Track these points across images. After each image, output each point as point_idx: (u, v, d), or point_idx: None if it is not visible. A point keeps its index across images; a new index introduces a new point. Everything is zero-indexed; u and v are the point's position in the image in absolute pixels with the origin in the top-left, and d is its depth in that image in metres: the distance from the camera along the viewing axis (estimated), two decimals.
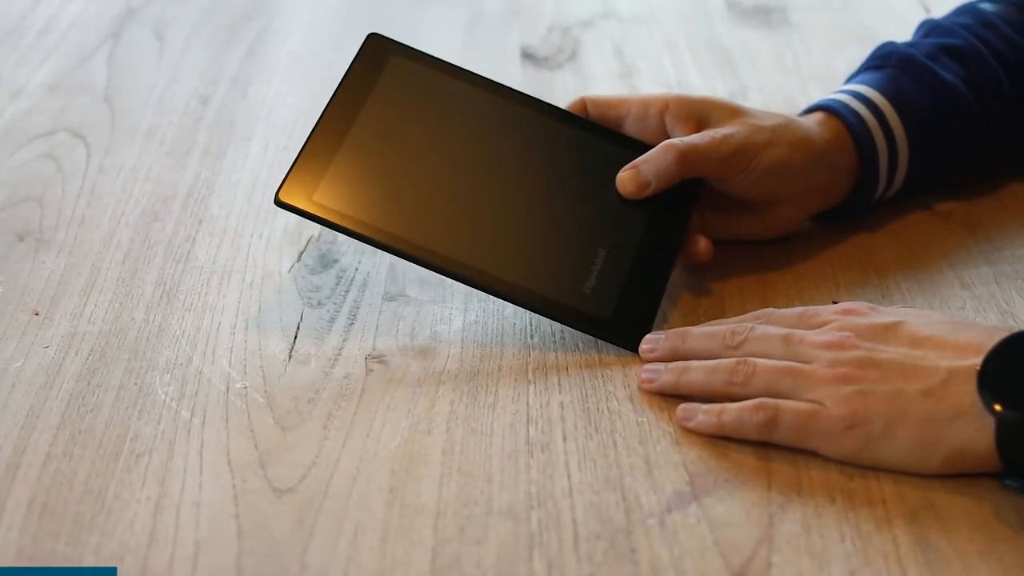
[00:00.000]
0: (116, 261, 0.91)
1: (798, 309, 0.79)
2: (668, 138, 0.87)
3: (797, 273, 0.90)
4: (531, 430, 0.76)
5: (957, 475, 0.71)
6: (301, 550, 0.68)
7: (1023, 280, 0.88)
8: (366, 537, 0.68)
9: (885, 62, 0.94)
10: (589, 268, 0.83)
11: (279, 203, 0.81)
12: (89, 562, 0.67)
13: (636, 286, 0.83)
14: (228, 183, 1.01)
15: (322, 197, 0.81)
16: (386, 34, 0.89)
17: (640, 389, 0.78)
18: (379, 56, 0.88)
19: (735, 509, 0.70)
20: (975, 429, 0.69)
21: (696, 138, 0.86)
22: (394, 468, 0.73)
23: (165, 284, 0.89)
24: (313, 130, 0.84)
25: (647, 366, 0.79)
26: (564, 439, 0.75)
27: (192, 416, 0.77)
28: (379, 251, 0.92)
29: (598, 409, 0.77)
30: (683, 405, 0.76)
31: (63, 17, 1.28)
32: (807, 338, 0.75)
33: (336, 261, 0.92)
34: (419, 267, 0.82)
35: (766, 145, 0.87)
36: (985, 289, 0.88)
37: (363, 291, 0.88)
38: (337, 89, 0.86)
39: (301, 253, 0.92)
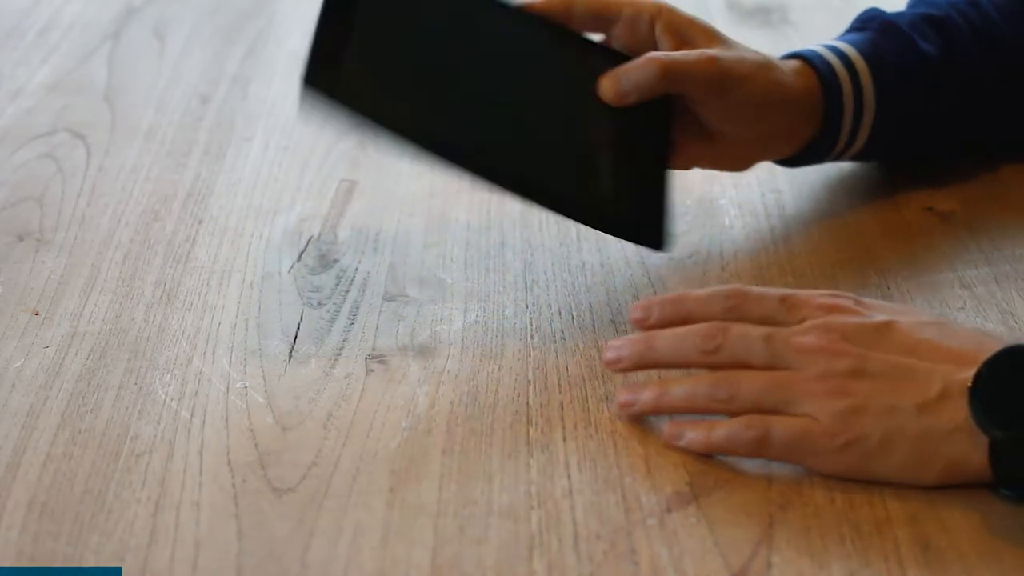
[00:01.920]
0: (116, 261, 0.91)
1: (776, 293, 0.75)
2: (655, 48, 0.89)
3: (797, 273, 0.90)
4: (531, 430, 0.76)
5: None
6: (301, 550, 0.68)
7: (1023, 280, 0.88)
8: (366, 537, 0.69)
9: (867, 25, 0.95)
10: (599, 168, 0.84)
11: (308, 85, 0.76)
12: (90, 562, 0.67)
13: (644, 188, 0.84)
14: (228, 183, 1.01)
15: (349, 83, 0.78)
16: None
17: (620, 413, 0.76)
18: None
19: (735, 509, 0.70)
20: (970, 445, 0.68)
21: (682, 54, 0.87)
22: (394, 468, 0.73)
23: (165, 284, 0.89)
24: (320, 15, 0.80)
25: (625, 387, 0.76)
26: (564, 439, 0.75)
27: (192, 416, 0.77)
28: (378, 249, 0.92)
29: (598, 409, 0.77)
30: (670, 422, 0.74)
31: (63, 17, 1.28)
32: (792, 340, 0.72)
33: (336, 261, 0.92)
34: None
35: (745, 79, 0.87)
36: (985, 289, 0.88)
37: (363, 291, 0.88)
38: None
39: (301, 253, 0.92)
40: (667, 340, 0.75)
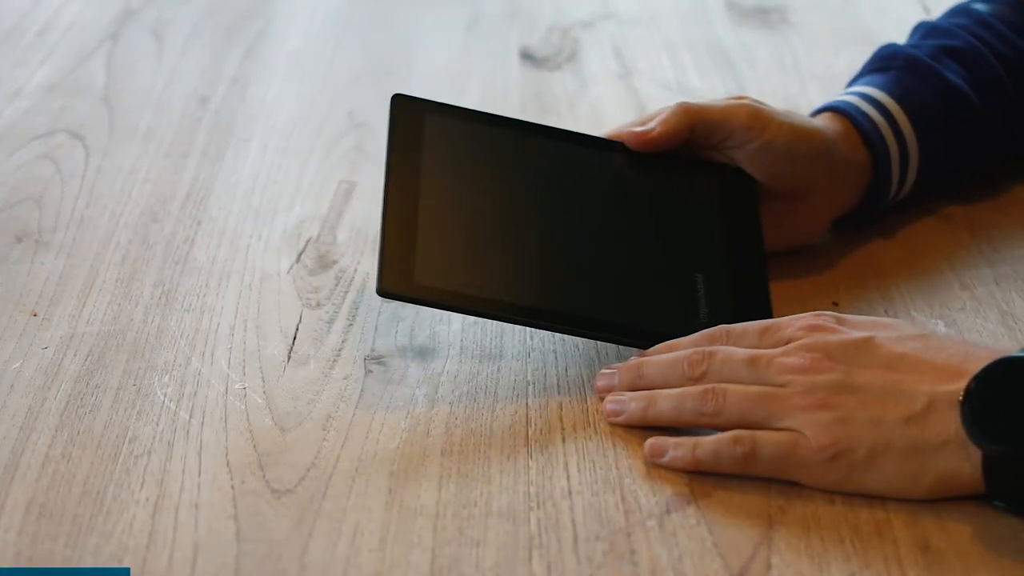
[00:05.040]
0: (115, 262, 0.91)
1: (758, 325, 0.76)
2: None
3: (798, 275, 0.89)
4: (530, 431, 0.76)
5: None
6: (300, 551, 0.68)
7: (1023, 281, 0.88)
8: (365, 538, 0.68)
9: (890, 63, 0.94)
10: (696, 297, 0.82)
11: (383, 293, 0.77)
12: (88, 563, 0.67)
13: (744, 297, 0.83)
14: (227, 184, 1.01)
15: (422, 278, 0.78)
16: (405, 90, 0.86)
17: (607, 422, 0.76)
18: (413, 117, 0.84)
19: (734, 510, 0.70)
20: (961, 458, 0.68)
21: (709, 100, 0.87)
22: (393, 469, 0.73)
23: (164, 285, 0.89)
24: (385, 210, 0.80)
25: (612, 396, 0.76)
26: (563, 440, 0.75)
27: (191, 417, 0.77)
28: (377, 251, 0.92)
29: (597, 410, 0.77)
30: (651, 440, 0.73)
31: (62, 18, 1.28)
32: (776, 360, 0.72)
33: (335, 262, 0.91)
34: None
35: (774, 118, 0.86)
36: (985, 290, 0.88)
37: (362, 292, 0.88)
38: (388, 161, 0.82)
39: (300, 254, 0.92)
40: (656, 368, 0.76)
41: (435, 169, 0.83)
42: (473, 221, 0.83)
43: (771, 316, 0.82)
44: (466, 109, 0.87)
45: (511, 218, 0.84)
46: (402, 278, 0.78)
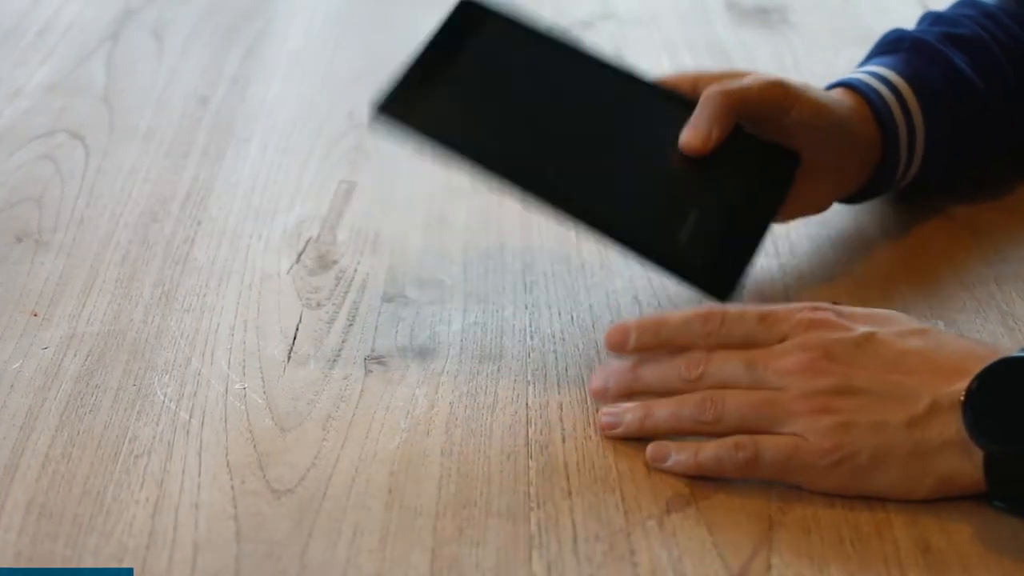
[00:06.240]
0: (115, 262, 0.91)
1: (755, 311, 0.74)
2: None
3: (797, 274, 0.89)
4: (530, 431, 0.76)
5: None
6: (300, 551, 0.68)
7: (1023, 281, 0.88)
8: (365, 538, 0.68)
9: (897, 46, 0.94)
10: (683, 223, 0.81)
11: (379, 112, 0.76)
12: (88, 563, 0.67)
13: (729, 243, 0.82)
14: (227, 184, 1.01)
15: (426, 114, 0.78)
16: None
17: (602, 435, 0.75)
18: (472, 17, 0.86)
19: (735, 511, 0.70)
20: (962, 459, 0.68)
21: (737, 81, 0.87)
22: (393, 469, 0.73)
23: (164, 285, 0.89)
24: (416, 55, 0.81)
25: (607, 408, 0.76)
26: (563, 440, 0.75)
27: (191, 417, 0.77)
28: (377, 250, 0.92)
29: (598, 410, 0.77)
30: (653, 444, 0.73)
31: (62, 18, 1.28)
32: (773, 363, 0.72)
33: (335, 262, 0.91)
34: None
35: (802, 93, 0.87)
36: (985, 290, 0.87)
37: (362, 292, 0.88)
38: (427, 44, 0.83)
39: (300, 254, 0.92)
40: (652, 370, 0.75)
41: (473, 64, 0.84)
42: (496, 100, 0.83)
43: (741, 284, 0.81)
44: (530, 29, 0.87)
45: (530, 109, 0.84)
46: (405, 107, 0.77)
